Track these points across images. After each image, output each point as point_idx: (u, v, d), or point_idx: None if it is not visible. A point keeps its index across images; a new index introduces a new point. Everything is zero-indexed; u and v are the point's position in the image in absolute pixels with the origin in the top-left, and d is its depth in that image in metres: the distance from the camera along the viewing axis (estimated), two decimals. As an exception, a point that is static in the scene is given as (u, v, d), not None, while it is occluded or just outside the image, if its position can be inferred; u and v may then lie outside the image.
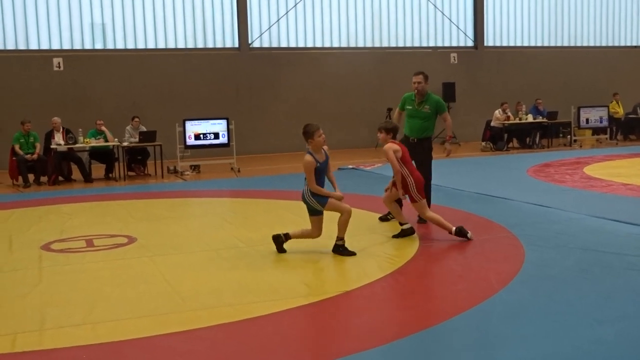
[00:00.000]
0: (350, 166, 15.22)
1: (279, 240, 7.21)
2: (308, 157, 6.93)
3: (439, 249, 7.31)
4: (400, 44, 21.60)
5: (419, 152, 8.46)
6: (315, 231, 7.14)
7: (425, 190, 7.99)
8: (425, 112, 8.51)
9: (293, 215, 9.30)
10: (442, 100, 8.88)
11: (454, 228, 7.50)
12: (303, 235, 7.24)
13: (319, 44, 20.65)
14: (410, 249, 7.15)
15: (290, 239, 7.22)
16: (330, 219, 7.16)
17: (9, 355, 4.53)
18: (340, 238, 7.02)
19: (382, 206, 9.26)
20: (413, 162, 7.93)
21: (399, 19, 21.59)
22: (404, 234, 7.72)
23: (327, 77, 20.37)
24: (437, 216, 7.71)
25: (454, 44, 22.37)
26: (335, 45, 20.83)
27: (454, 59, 22.08)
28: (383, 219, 8.75)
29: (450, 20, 22.10)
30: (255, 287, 5.94)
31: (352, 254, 6.93)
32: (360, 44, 21.13)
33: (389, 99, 20.11)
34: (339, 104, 20.44)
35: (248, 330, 4.88)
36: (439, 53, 21.93)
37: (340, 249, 6.99)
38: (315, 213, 7.06)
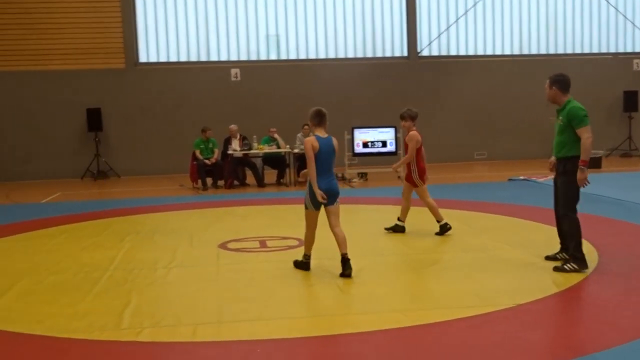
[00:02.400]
0: (522, 177, 14.71)
1: (301, 265, 6.86)
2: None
3: (620, 267, 6.86)
4: (577, 50, 20.60)
5: (557, 174, 6.86)
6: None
7: (563, 225, 6.84)
8: (559, 125, 6.76)
9: (462, 225, 9.16)
10: (579, 109, 6.55)
11: (444, 220, 8.35)
12: (307, 242, 6.81)
13: (489, 52, 20.19)
14: (589, 265, 6.77)
15: (308, 255, 6.84)
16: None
17: (190, 343, 4.83)
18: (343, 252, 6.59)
19: (554, 219, 8.89)
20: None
21: (576, 24, 20.60)
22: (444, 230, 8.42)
23: (499, 85, 19.84)
24: (434, 204, 8.48)
25: (637, 49, 20.99)
26: (507, 52, 20.26)
27: (637, 66, 20.71)
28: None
29: (633, 23, 20.76)
30: (423, 294, 5.91)
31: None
32: (534, 51, 20.40)
33: (563, 108, 19.29)
34: (510, 113, 19.85)
35: (415, 337, 4.86)
36: (620, 59, 20.67)
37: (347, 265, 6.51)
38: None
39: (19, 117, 17.94)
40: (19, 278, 6.83)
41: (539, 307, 5.49)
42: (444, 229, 8.51)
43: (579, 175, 6.40)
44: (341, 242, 6.56)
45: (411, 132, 8.50)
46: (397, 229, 8.78)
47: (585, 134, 6.39)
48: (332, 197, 6.61)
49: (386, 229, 8.74)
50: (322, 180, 6.56)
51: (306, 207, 6.66)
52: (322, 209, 6.63)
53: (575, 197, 6.57)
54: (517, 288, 6.05)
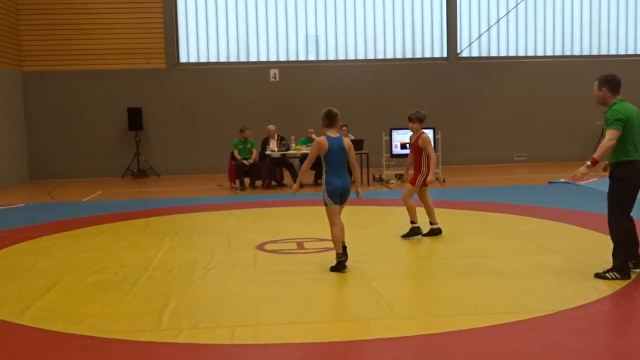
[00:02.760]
0: (562, 180, 14.49)
1: (337, 267, 6.90)
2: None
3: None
4: (622, 51, 20.20)
5: (610, 180, 6.37)
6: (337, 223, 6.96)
7: (610, 232, 6.38)
8: (605, 127, 6.31)
9: (501, 228, 9.06)
10: (616, 112, 6.13)
11: (416, 224, 8.44)
12: (336, 240, 6.91)
13: (530, 53, 19.92)
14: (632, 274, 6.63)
15: (344, 252, 6.94)
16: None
17: (228, 346, 4.85)
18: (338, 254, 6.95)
19: (596, 223, 8.76)
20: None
21: (620, 25, 20.20)
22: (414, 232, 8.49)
23: (540, 86, 19.57)
24: (414, 206, 8.48)
25: (684, 50, 20.51)
26: (549, 53, 19.96)
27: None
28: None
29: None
30: (462, 299, 5.83)
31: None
32: (577, 52, 20.05)
33: (606, 110, 18.95)
34: (552, 115, 19.58)
35: (454, 344, 4.81)
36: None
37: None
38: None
39: (62, 116, 18.27)
40: (61, 277, 6.94)
41: (580, 314, 5.39)
42: (415, 232, 8.54)
43: (580, 169, 6.21)
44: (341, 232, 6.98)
45: (423, 135, 8.53)
46: (434, 232, 8.69)
47: (609, 136, 6.08)
48: (345, 195, 6.94)
49: (423, 235, 8.61)
50: (336, 178, 6.84)
51: (326, 205, 6.88)
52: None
53: (622, 204, 6.24)
54: (557, 294, 5.94)
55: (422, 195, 8.73)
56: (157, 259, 7.71)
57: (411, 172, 8.77)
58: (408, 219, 8.54)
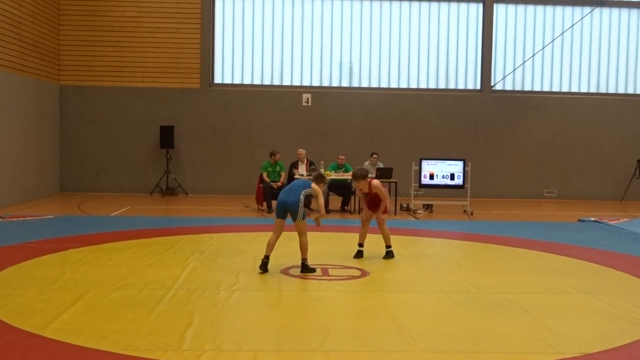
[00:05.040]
0: (592, 219, 14.29)
1: (266, 265, 8.18)
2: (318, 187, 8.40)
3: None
4: (658, 91, 20.00)
5: None
6: (280, 232, 8.40)
7: None
8: None
9: (529, 265, 8.94)
10: None
11: (363, 247, 9.34)
12: (273, 245, 8.31)
13: (565, 89, 19.80)
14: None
15: (305, 260, 8.26)
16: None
17: (249, 371, 4.82)
18: (305, 259, 8.27)
19: (626, 265, 8.65)
20: None
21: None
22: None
23: (572, 123, 19.41)
24: (387, 232, 9.34)
25: None
26: (584, 90, 19.81)
27: None
28: None
29: None
30: (487, 336, 5.75)
31: (313, 270, 8.20)
32: (612, 90, 19.88)
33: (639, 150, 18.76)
34: (583, 152, 19.40)
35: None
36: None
37: (307, 268, 8.21)
38: (284, 217, 8.32)
39: (95, 130, 18.53)
40: (86, 291, 6.99)
41: (608, 357, 5.28)
42: (361, 254, 9.35)
43: None
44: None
45: (373, 183, 9.20)
46: (360, 254, 9.40)
47: None
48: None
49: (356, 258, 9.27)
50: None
51: (304, 218, 8.19)
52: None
53: None
54: (585, 336, 5.83)
55: (379, 223, 9.36)
56: (182, 278, 7.74)
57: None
58: (433, 250, 8.52)
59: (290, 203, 8.15)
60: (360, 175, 9.19)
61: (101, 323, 5.85)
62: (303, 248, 8.27)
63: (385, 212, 9.33)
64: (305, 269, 8.21)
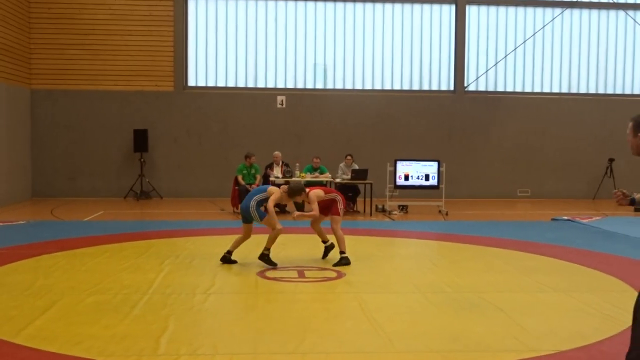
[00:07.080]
0: (565, 217, 14.46)
1: (227, 259, 8.84)
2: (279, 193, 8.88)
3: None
4: (627, 91, 20.27)
5: None
6: (247, 235, 9.02)
7: None
8: None
9: (503, 264, 9.02)
10: None
11: (329, 242, 9.30)
12: (238, 243, 8.97)
13: (537, 89, 20.00)
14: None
15: (231, 253, 8.90)
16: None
17: (226, 374, 4.80)
18: (267, 249, 8.75)
19: (598, 262, 8.76)
20: None
21: (627, 64, 20.26)
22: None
23: (545, 123, 19.63)
24: (341, 235, 9.06)
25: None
26: (555, 90, 20.04)
27: (689, 109, 20.30)
28: None
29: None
30: (462, 335, 5.79)
31: (274, 264, 8.63)
32: (583, 90, 20.13)
33: (612, 150, 18.97)
34: (556, 152, 19.62)
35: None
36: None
37: (265, 258, 8.69)
38: (249, 221, 8.88)
39: (68, 135, 18.35)
40: (60, 297, 6.91)
41: (581, 355, 5.34)
42: (329, 250, 9.36)
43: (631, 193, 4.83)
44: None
45: (310, 193, 9.05)
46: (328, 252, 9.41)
47: None
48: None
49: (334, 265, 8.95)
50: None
51: (262, 218, 8.73)
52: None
53: None
54: (559, 333, 5.89)
55: (333, 225, 9.15)
56: (157, 282, 7.68)
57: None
58: (408, 250, 8.54)
59: (244, 208, 8.85)
60: (292, 193, 9.02)
61: (75, 329, 5.79)
62: (270, 238, 8.77)
63: (336, 213, 9.06)
64: (264, 258, 8.70)
